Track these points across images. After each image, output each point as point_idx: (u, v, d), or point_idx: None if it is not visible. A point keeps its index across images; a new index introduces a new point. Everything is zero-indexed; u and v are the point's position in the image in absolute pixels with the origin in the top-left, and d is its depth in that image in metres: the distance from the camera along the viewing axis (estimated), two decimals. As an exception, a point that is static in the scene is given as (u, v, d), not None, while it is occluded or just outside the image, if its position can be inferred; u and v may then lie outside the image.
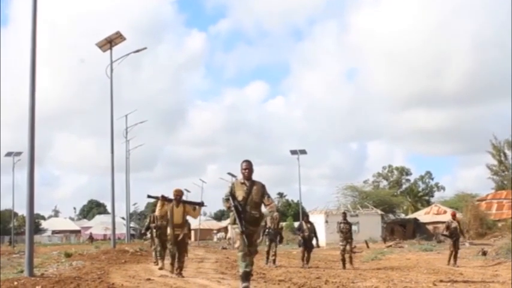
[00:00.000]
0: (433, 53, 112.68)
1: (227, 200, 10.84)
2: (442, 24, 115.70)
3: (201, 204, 16.09)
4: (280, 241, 24.35)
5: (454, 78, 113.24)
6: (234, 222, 10.82)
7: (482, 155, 74.48)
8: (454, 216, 24.08)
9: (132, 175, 64.98)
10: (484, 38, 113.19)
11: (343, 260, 21.49)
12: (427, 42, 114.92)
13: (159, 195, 15.94)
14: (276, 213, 16.81)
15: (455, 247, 22.85)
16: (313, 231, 22.83)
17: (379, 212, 60.19)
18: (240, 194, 10.82)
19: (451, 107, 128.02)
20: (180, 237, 15.73)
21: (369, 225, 53.17)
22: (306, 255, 22.44)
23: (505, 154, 68.90)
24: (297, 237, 23.87)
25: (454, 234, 23.00)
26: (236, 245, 11.38)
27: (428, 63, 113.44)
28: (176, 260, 15.68)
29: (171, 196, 15.82)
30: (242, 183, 10.95)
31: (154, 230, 20.34)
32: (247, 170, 10.98)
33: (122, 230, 74.05)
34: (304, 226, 22.80)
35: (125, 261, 23.51)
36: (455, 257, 22.74)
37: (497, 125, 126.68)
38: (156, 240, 19.92)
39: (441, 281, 15.31)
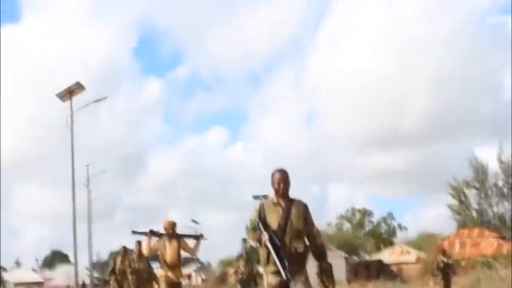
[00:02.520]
0: (392, 93, 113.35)
1: (254, 229, 7.50)
2: (400, 64, 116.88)
3: (201, 237, 13.46)
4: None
5: (413, 118, 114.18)
6: (267, 263, 7.43)
7: (443, 194, 75.28)
8: (444, 252, 22.85)
9: (94, 225, 64.66)
10: (442, 77, 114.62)
11: None
12: (385, 82, 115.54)
13: (147, 230, 13.37)
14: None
15: (447, 286, 21.53)
16: None
17: (343, 254, 60.43)
18: (273, 221, 7.43)
19: (411, 147, 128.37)
20: (176, 280, 13.18)
21: (333, 267, 53.19)
22: None
23: (464, 194, 69.45)
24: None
25: (446, 272, 21.69)
26: None
27: (387, 104, 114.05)
28: None
29: (162, 230, 13.33)
30: (275, 204, 7.57)
31: (130, 277, 17.74)
32: (282, 184, 7.58)
33: (85, 280, 73.13)
34: None
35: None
36: None
37: (457, 164, 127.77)
38: None
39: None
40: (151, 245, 13.30)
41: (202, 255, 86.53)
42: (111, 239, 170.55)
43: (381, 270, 59.64)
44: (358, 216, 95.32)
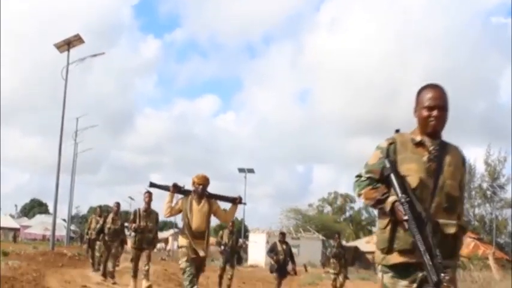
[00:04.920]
0: (387, 81, 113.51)
1: (372, 181, 4.34)
2: (398, 54, 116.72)
3: (238, 200, 10.44)
4: (239, 262, 21.59)
5: (405, 108, 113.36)
6: (389, 248, 4.22)
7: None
8: None
9: (76, 177, 64.16)
10: (438, 71, 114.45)
11: None
12: (382, 71, 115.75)
13: (170, 183, 10.25)
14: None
15: None
16: (289, 254, 18.07)
17: (321, 237, 60.60)
18: (412, 171, 4.23)
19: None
20: (202, 254, 10.04)
21: (310, 249, 53.41)
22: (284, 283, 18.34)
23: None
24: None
25: None
26: None
27: (382, 92, 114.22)
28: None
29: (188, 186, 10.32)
30: (418, 145, 4.33)
31: (133, 233, 14.61)
32: (437, 111, 4.32)
33: (62, 231, 73.22)
34: (279, 247, 18.10)
35: (62, 265, 23.34)
36: None
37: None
38: (133, 251, 14.79)
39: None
40: (172, 204, 10.18)
41: (180, 220, 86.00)
42: (92, 193, 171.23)
43: (356, 257, 59.93)
44: (339, 200, 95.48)
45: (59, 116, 36.34)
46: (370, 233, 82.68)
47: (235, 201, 10.36)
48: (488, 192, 66.44)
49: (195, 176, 10.19)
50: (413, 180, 4.19)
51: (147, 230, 14.34)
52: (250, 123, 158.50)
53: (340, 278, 18.47)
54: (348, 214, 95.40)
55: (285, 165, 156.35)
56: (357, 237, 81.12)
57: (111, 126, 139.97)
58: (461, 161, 4.46)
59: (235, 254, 18.61)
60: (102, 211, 21.76)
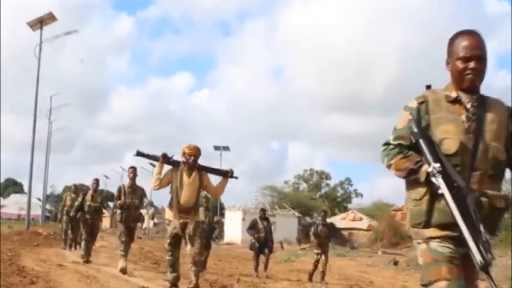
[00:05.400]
0: (360, 58, 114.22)
1: (403, 148, 3.83)
2: (371, 31, 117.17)
3: (230, 174, 9.94)
4: (218, 237, 21.28)
5: (380, 85, 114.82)
6: (426, 222, 3.69)
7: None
8: None
9: (50, 156, 63.30)
10: (411, 49, 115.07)
11: (313, 271, 17.58)
12: (355, 48, 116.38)
13: (159, 154, 9.70)
14: None
15: None
16: (269, 232, 17.97)
17: (297, 214, 60.72)
18: (450, 133, 3.68)
19: (374, 114, 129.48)
20: (190, 229, 9.65)
21: (285, 226, 53.43)
22: (261, 261, 17.88)
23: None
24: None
25: None
26: None
27: (355, 68, 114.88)
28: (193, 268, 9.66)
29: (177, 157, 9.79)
30: (453, 102, 3.78)
31: (118, 211, 13.75)
32: (474, 62, 3.71)
33: (37, 211, 72.88)
34: (260, 224, 17.92)
35: (37, 244, 23.22)
36: None
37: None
38: (121, 227, 13.83)
39: (351, 287, 15.51)
40: (161, 176, 9.67)
41: (156, 199, 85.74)
42: (67, 172, 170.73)
43: (332, 234, 60.16)
44: (315, 177, 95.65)
45: (33, 94, 36.20)
46: (345, 209, 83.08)
47: (227, 174, 9.90)
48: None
49: (186, 146, 9.66)
50: (452, 144, 3.66)
51: (133, 206, 13.74)
52: (224, 101, 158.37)
53: (323, 258, 17.54)
54: (323, 191, 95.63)
55: (260, 143, 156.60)
56: (333, 214, 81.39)
57: (85, 104, 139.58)
58: (506, 116, 3.83)
59: (213, 231, 18.27)
60: (78, 189, 21.69)
